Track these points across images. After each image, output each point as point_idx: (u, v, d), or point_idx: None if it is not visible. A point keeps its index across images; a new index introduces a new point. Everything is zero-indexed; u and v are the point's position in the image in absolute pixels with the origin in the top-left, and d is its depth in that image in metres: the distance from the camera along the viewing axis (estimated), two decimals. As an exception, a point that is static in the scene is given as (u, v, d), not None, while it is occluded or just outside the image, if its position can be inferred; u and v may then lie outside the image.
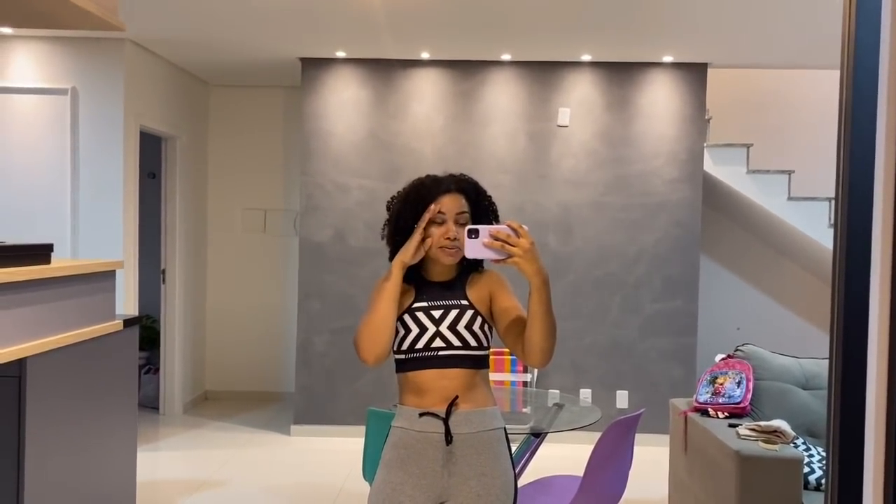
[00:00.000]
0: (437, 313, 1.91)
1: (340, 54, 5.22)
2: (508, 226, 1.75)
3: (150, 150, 5.84)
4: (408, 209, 1.95)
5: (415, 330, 1.90)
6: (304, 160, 5.35)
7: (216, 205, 6.38)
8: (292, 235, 6.30)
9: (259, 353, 6.41)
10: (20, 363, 1.39)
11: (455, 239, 1.89)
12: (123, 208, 4.93)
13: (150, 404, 5.94)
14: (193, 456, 4.89)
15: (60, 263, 1.55)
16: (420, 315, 1.91)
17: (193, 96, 6.05)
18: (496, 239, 1.74)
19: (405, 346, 1.91)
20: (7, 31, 4.70)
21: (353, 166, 5.34)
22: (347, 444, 5.07)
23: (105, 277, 1.71)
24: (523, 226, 1.76)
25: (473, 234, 1.77)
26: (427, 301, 1.92)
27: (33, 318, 1.45)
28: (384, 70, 5.31)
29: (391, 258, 1.99)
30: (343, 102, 5.33)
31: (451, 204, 1.91)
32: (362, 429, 5.13)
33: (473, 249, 1.78)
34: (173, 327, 5.76)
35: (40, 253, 1.48)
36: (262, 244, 6.39)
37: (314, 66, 5.32)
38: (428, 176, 1.99)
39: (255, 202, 6.37)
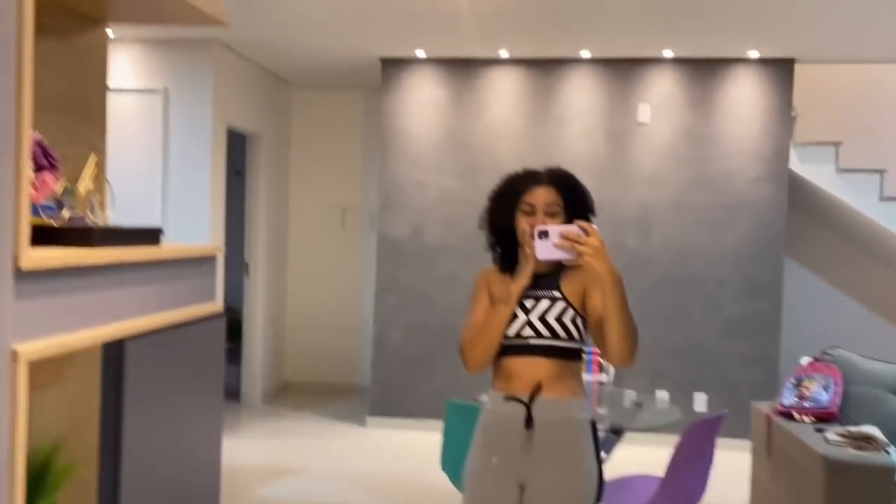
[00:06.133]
0: (528, 303, 1.96)
1: (420, 54, 5.29)
2: (578, 225, 1.78)
3: (236, 148, 6.05)
4: (499, 203, 2.03)
5: None
6: (382, 158, 5.44)
7: (297, 201, 6.56)
8: (370, 232, 6.42)
9: (337, 346, 6.55)
10: (122, 341, 1.48)
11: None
12: (210, 204, 5.13)
13: (230, 394, 6.15)
14: (273, 444, 5.04)
15: (168, 246, 1.64)
16: None
17: (277, 96, 6.23)
18: (566, 239, 1.77)
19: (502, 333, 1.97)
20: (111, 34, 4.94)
21: (431, 165, 5.40)
22: (422, 438, 5.13)
23: (207, 262, 1.80)
24: (593, 225, 1.79)
25: (543, 234, 1.81)
26: (525, 292, 1.97)
27: (140, 297, 1.53)
28: (463, 69, 5.36)
29: (489, 247, 2.08)
30: (422, 102, 5.40)
31: (541, 196, 1.95)
32: (437, 423, 5.18)
33: (544, 250, 1.81)
34: (255, 319, 5.95)
35: (150, 235, 1.57)
36: (341, 240, 6.53)
37: (394, 66, 5.40)
38: (524, 169, 2.04)
39: (334, 199, 6.52)
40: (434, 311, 5.39)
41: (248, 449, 4.94)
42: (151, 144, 5.09)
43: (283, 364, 6.58)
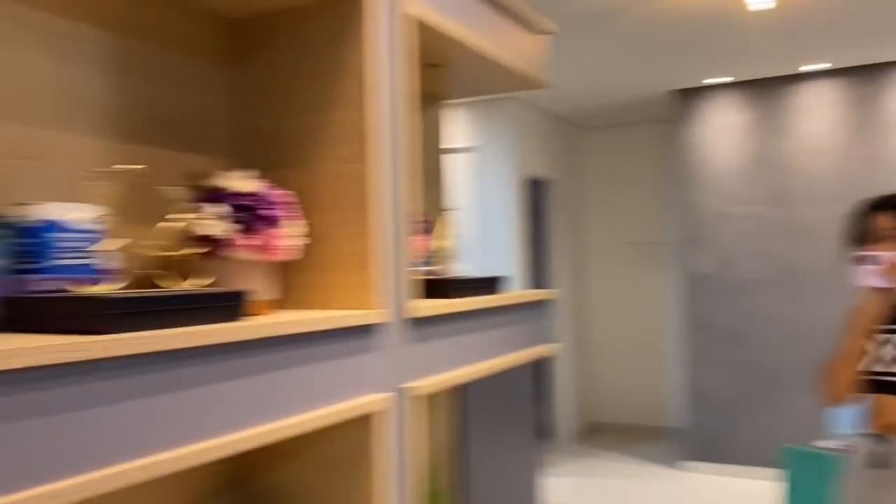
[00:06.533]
0: (882, 337, 1.84)
1: (713, 80, 5.12)
2: None
3: (534, 194, 6.33)
4: (847, 234, 1.96)
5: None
6: (682, 191, 5.32)
7: (597, 240, 6.65)
8: (671, 267, 6.27)
9: (642, 386, 6.44)
10: (467, 385, 1.64)
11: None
12: (517, 250, 5.42)
13: (542, 433, 6.34)
14: (584, 484, 5.09)
15: (510, 293, 1.80)
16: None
17: (569, 140, 6.44)
18: (889, 265, 1.66)
19: (859, 367, 1.91)
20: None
21: (737, 193, 5.15)
22: (744, 484, 4.81)
23: (542, 306, 1.93)
24: None
25: (868, 260, 1.71)
26: (880, 324, 1.87)
27: (487, 340, 1.69)
28: (763, 89, 5.07)
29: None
30: (721, 128, 5.20)
31: (879, 222, 1.84)
32: (762, 470, 4.84)
33: (864, 276, 1.72)
34: (563, 358, 6.10)
35: (493, 284, 1.75)
36: (642, 276, 6.47)
37: (686, 97, 5.29)
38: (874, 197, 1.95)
39: (634, 236, 6.50)
40: (750, 350, 5.07)
41: (561, 487, 5.03)
42: (469, 197, 5.55)
43: (593, 403, 6.63)
